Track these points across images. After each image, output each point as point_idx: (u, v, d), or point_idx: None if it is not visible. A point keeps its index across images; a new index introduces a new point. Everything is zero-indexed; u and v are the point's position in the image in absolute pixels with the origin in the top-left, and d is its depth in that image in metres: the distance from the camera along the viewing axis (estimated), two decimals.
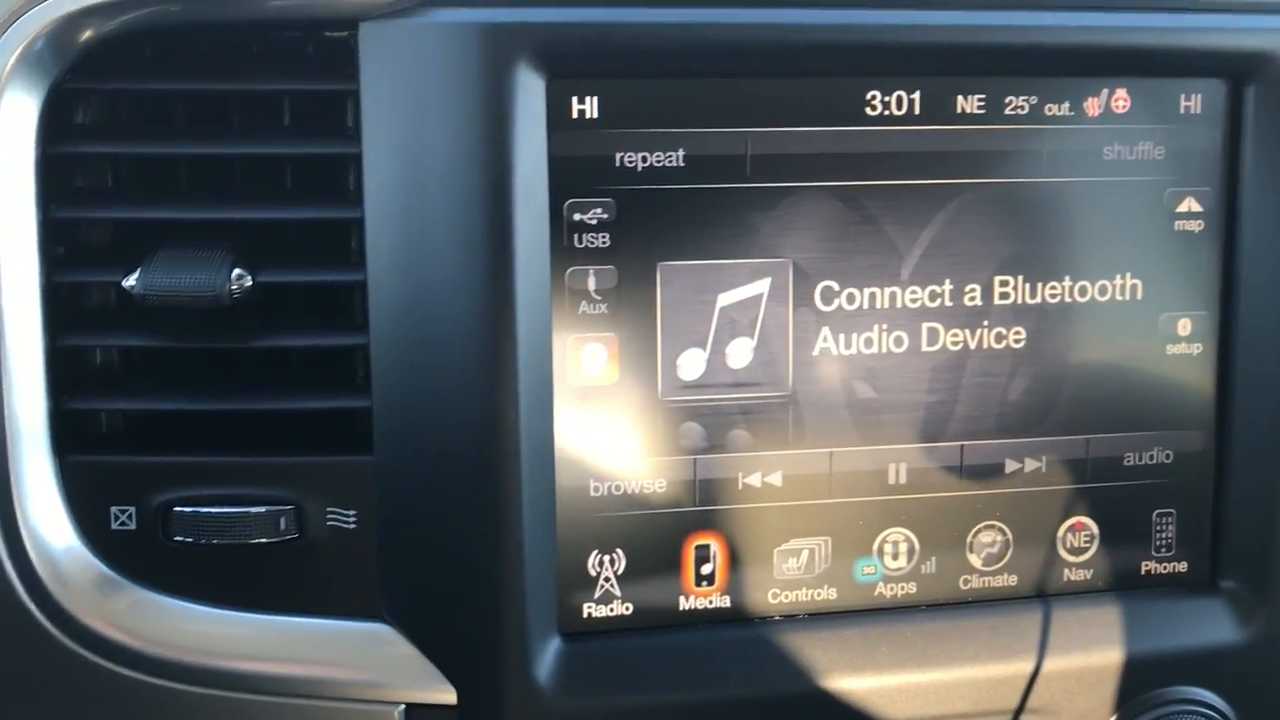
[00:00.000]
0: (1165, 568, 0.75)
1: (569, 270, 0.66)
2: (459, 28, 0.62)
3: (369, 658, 0.67)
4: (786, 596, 0.71)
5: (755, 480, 0.70)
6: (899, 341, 0.70)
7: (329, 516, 0.66)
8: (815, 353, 0.69)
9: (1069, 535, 0.74)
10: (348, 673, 0.67)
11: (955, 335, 0.71)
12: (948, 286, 0.70)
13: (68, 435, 0.66)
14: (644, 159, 0.66)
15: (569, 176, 0.65)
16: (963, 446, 0.72)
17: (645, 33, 0.64)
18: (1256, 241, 0.72)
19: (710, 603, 0.71)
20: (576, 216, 0.66)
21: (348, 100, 0.66)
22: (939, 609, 0.73)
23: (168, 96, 0.68)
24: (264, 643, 0.66)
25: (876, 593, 0.72)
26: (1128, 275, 0.72)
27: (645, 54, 0.64)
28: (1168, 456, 0.74)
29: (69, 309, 0.66)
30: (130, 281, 0.63)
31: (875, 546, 0.72)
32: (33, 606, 0.65)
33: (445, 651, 0.67)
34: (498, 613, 0.66)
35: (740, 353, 0.69)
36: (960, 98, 0.69)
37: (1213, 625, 0.74)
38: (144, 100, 0.68)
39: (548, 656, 0.67)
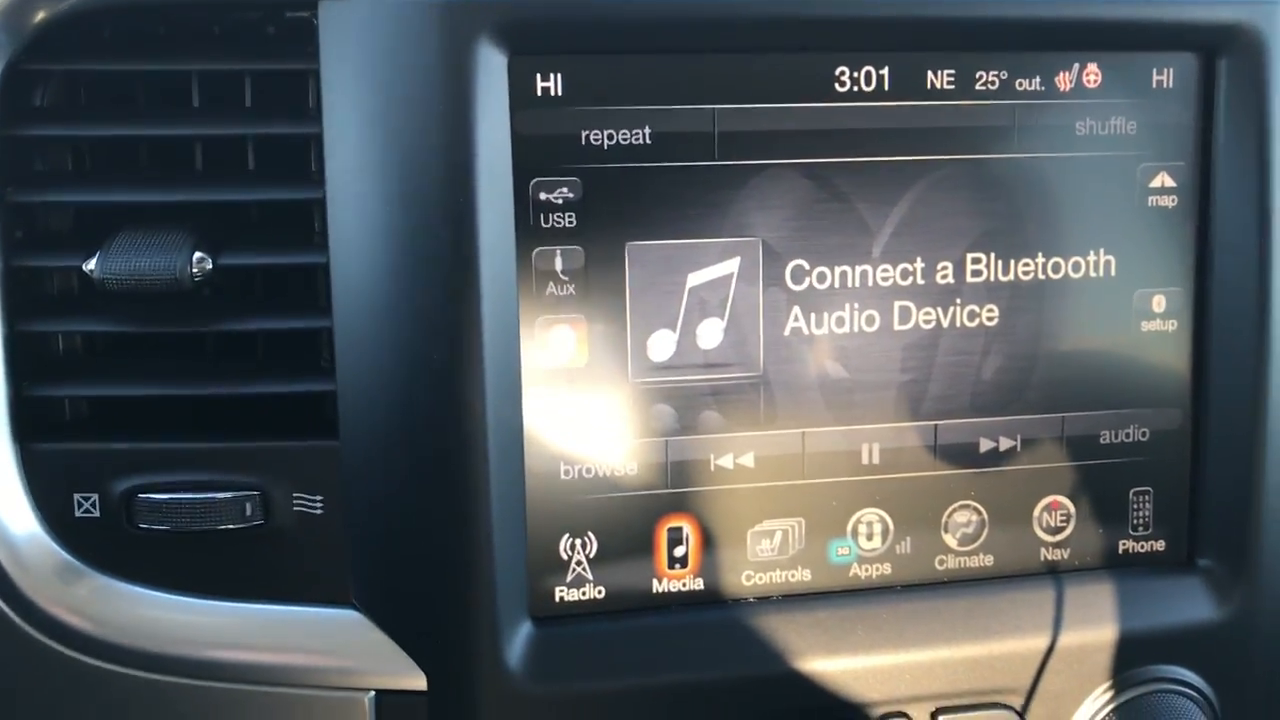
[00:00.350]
0: (1143, 546, 0.75)
1: (535, 251, 0.65)
2: (419, 6, 0.61)
3: (338, 644, 0.66)
4: (760, 578, 0.71)
5: (728, 462, 0.69)
6: (871, 320, 0.70)
7: (295, 502, 0.65)
8: (786, 332, 0.69)
9: (1045, 514, 0.73)
10: (316, 659, 0.66)
11: (928, 314, 0.70)
12: (919, 264, 0.70)
13: (29, 422, 0.65)
14: (610, 137, 0.66)
15: (534, 155, 0.65)
16: (936, 426, 0.71)
17: (608, 8, 0.63)
18: (1230, 216, 0.72)
19: (683, 585, 0.70)
20: (542, 196, 0.65)
21: (309, 80, 0.65)
22: (914, 590, 0.72)
23: (128, 77, 0.67)
24: (231, 630, 0.66)
25: (851, 574, 0.72)
26: (1101, 251, 0.72)
27: (609, 30, 0.64)
28: (1144, 434, 0.74)
29: (29, 294, 0.66)
30: (90, 266, 0.63)
31: (849, 527, 0.71)
32: None
33: (415, 637, 0.66)
34: (467, 598, 0.65)
35: (711, 333, 0.68)
36: (930, 73, 0.68)
37: (1190, 603, 0.74)
38: (104, 81, 0.67)
39: (519, 641, 0.66)
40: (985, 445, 0.72)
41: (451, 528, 0.64)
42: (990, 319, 0.71)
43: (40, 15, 0.62)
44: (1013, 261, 0.71)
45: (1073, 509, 0.74)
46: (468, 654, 0.66)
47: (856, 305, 0.69)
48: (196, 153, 0.67)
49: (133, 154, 0.67)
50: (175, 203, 0.65)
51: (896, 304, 0.70)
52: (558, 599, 0.68)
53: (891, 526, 0.72)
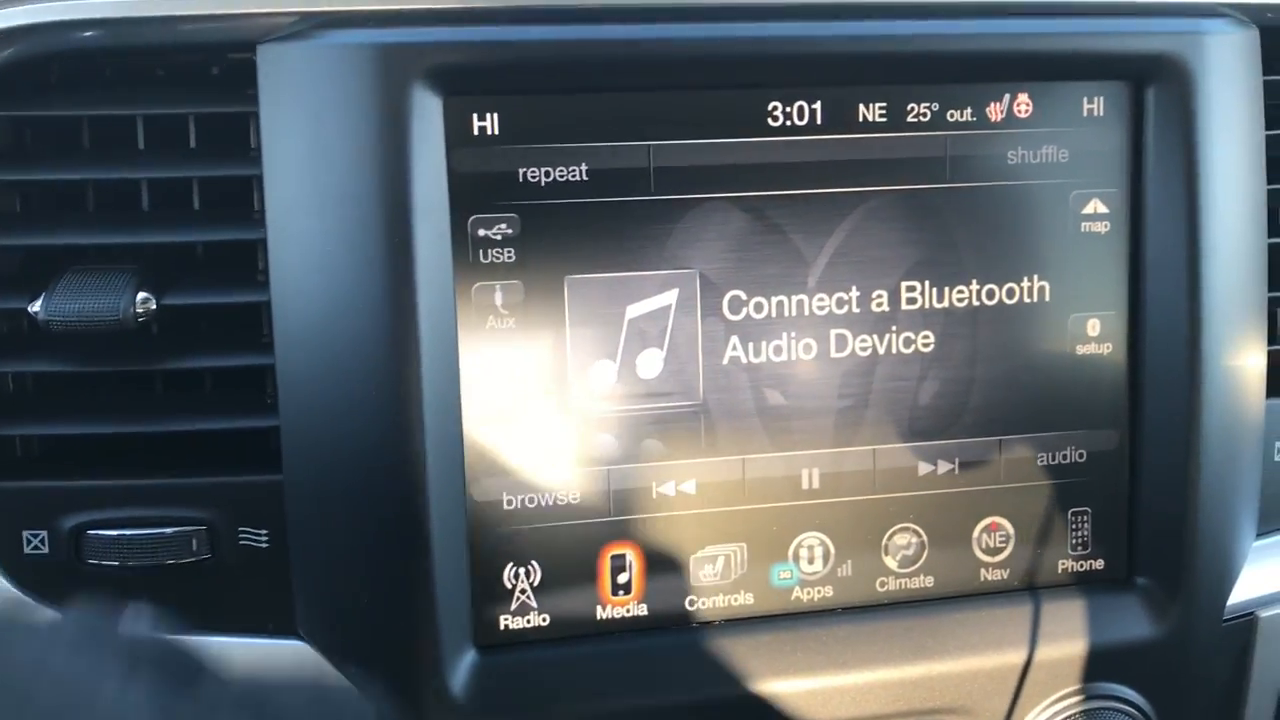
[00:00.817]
0: (1082, 565, 0.76)
1: (475, 286, 0.67)
2: (353, 49, 0.63)
3: (285, 675, 0.67)
4: (704, 603, 0.72)
5: (669, 489, 0.71)
6: (808, 348, 0.71)
7: (241, 536, 0.67)
8: (725, 362, 0.70)
9: (984, 536, 0.75)
10: (263, 691, 0.67)
11: (864, 341, 0.71)
12: (855, 293, 0.71)
13: None
14: (547, 174, 0.67)
15: (472, 193, 0.66)
16: (875, 451, 0.72)
17: (541, 50, 0.64)
18: (1162, 240, 0.73)
19: (627, 611, 0.71)
20: (481, 232, 0.66)
21: (250, 122, 0.66)
22: (856, 612, 0.73)
23: (74, 120, 0.68)
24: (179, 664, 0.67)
25: (793, 597, 0.73)
26: (1035, 277, 0.73)
27: (542, 70, 0.65)
28: (1081, 456, 0.75)
29: None
30: (35, 307, 0.64)
31: (791, 551, 0.73)
32: None
33: (361, 667, 0.67)
34: (410, 627, 0.66)
35: (650, 363, 0.70)
36: (862, 106, 0.70)
37: (1129, 621, 0.75)
38: (50, 124, 0.68)
39: (463, 669, 0.67)
40: (924, 469, 0.73)
41: (395, 558, 0.66)
42: (926, 345, 0.72)
43: None
44: (947, 289, 0.72)
45: (1012, 530, 0.75)
46: (413, 683, 0.67)
47: (793, 334, 0.71)
48: (142, 194, 0.68)
49: (79, 196, 0.68)
50: (119, 244, 0.66)
51: (833, 332, 0.71)
52: (502, 627, 0.69)
53: (832, 550, 0.73)
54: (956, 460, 0.73)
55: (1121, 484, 0.76)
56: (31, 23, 0.64)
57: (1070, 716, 0.74)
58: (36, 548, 0.66)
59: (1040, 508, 0.75)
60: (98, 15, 0.65)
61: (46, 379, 0.69)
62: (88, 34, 0.66)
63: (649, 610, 0.71)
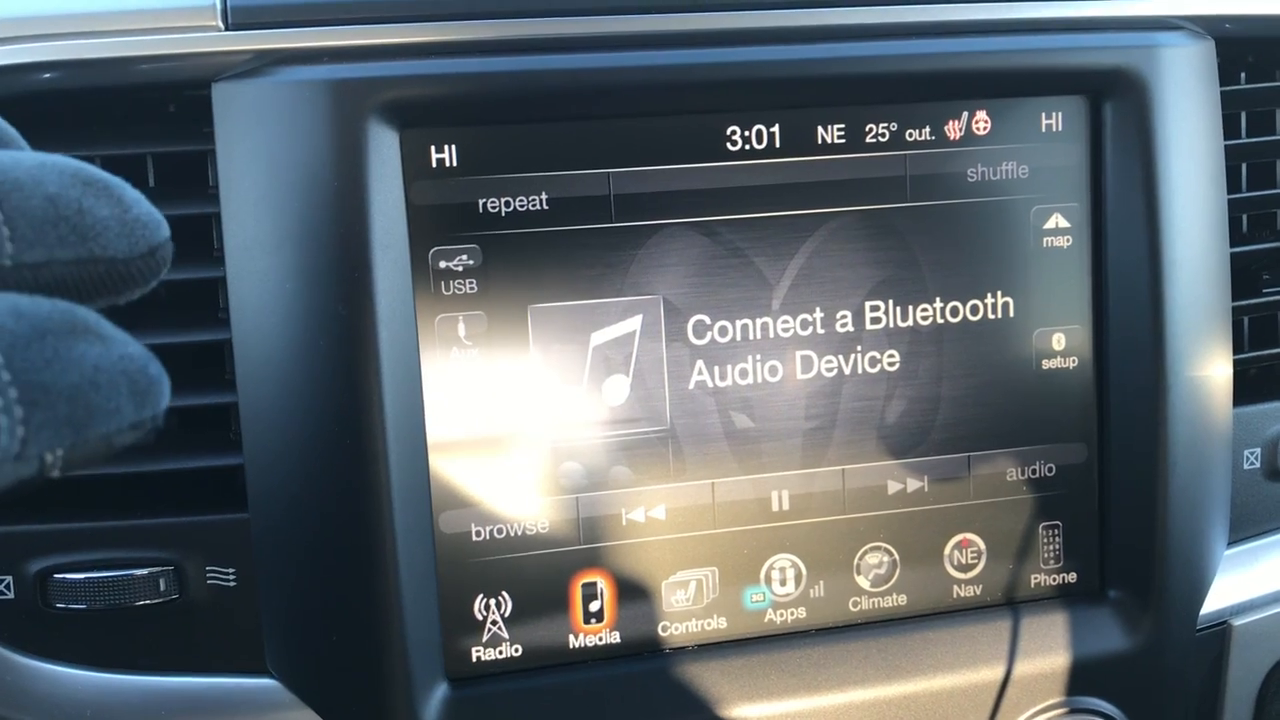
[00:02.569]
0: (1054, 580, 0.76)
1: (438, 318, 0.67)
2: (308, 85, 0.63)
3: (256, 713, 0.67)
4: (677, 628, 0.72)
5: (639, 515, 0.71)
6: (774, 371, 0.71)
7: (209, 575, 0.66)
8: (691, 386, 0.70)
9: (956, 552, 0.75)
10: None
11: (829, 362, 0.71)
12: (819, 314, 0.71)
13: None
14: (507, 204, 0.67)
15: (432, 225, 0.66)
16: (844, 471, 0.72)
17: (496, 81, 0.65)
18: (1124, 253, 0.73)
19: (600, 639, 0.71)
20: (442, 264, 0.66)
21: (208, 160, 0.66)
22: (829, 633, 0.73)
23: None
24: (150, 704, 0.66)
25: (766, 620, 0.73)
26: (999, 293, 0.73)
27: (499, 102, 0.65)
28: (1050, 470, 0.75)
29: None
30: None
31: (763, 574, 0.73)
32: None
33: (332, 703, 0.67)
34: (381, 662, 0.66)
35: (616, 390, 0.70)
36: (820, 128, 0.70)
37: (1103, 634, 0.75)
38: None
39: (434, 703, 0.67)
40: (893, 487, 0.73)
41: (363, 593, 0.65)
42: (891, 364, 0.72)
43: None
44: (911, 307, 0.72)
45: (983, 546, 0.75)
46: (386, 718, 0.66)
47: (759, 357, 0.71)
48: None
49: None
50: None
51: (798, 353, 0.71)
52: (474, 659, 0.69)
53: (804, 571, 0.73)
54: (926, 478, 0.74)
55: (1092, 497, 0.76)
56: None
57: None
58: (1, 592, 0.65)
59: (1011, 523, 0.75)
60: (54, 58, 0.65)
61: None
62: (45, 76, 0.66)
63: (622, 638, 0.71)
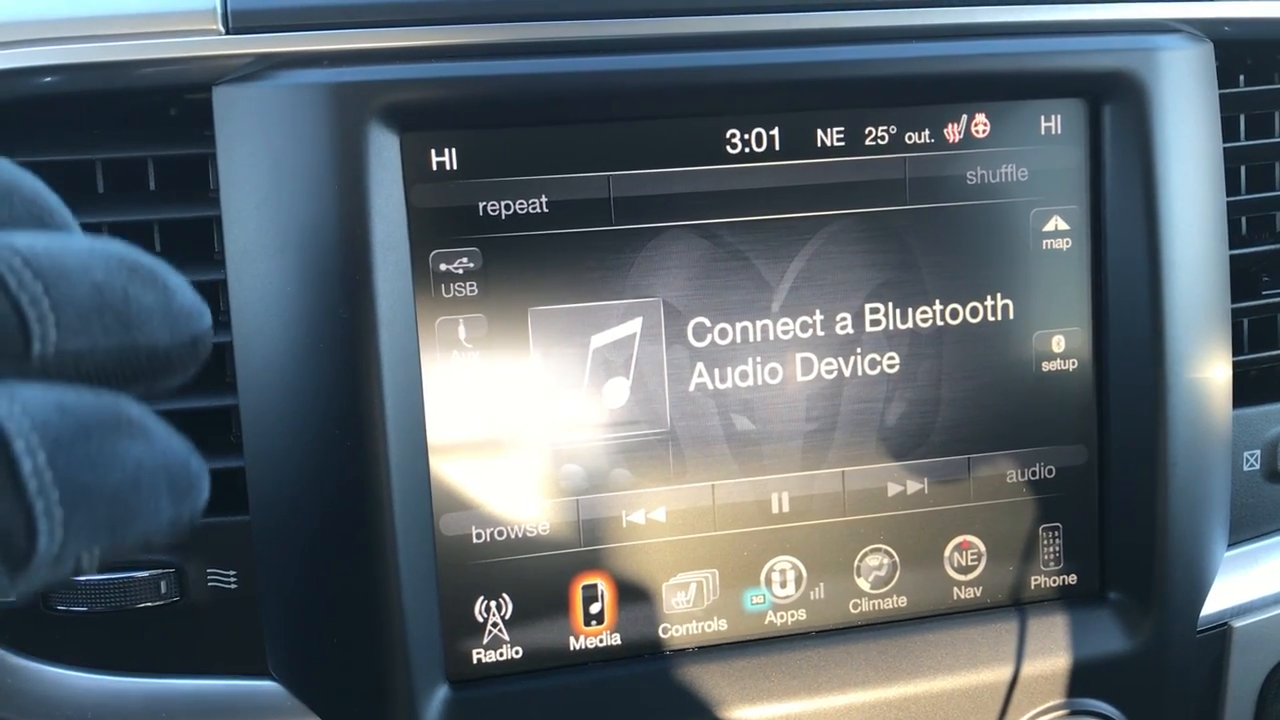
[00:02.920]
0: (1054, 581, 0.76)
1: (438, 320, 0.67)
2: (308, 89, 0.63)
3: (257, 715, 0.67)
4: (677, 630, 0.72)
5: (639, 517, 0.71)
6: (774, 373, 0.71)
7: (210, 577, 0.66)
8: (691, 389, 0.70)
9: (956, 554, 0.75)
10: None
11: (829, 364, 0.72)
12: (818, 317, 0.71)
13: None
14: (507, 207, 0.67)
15: (432, 228, 0.66)
16: (844, 473, 0.73)
17: (496, 85, 0.65)
18: (1123, 255, 0.74)
19: (601, 641, 0.71)
20: (443, 267, 0.67)
21: (208, 163, 0.66)
22: (829, 635, 0.73)
23: (34, 167, 0.68)
24: (151, 706, 0.67)
25: (766, 621, 0.73)
26: (998, 296, 0.73)
27: (498, 105, 0.65)
28: (1050, 472, 0.75)
29: None
30: None
31: (763, 576, 0.73)
32: None
33: (333, 705, 0.67)
34: (382, 664, 0.66)
35: (617, 392, 0.70)
36: (820, 131, 0.70)
37: (1103, 636, 0.75)
38: None
39: (435, 705, 0.67)
40: (893, 489, 0.73)
41: (363, 595, 0.66)
42: (891, 366, 0.72)
43: None
44: (910, 310, 0.72)
45: (983, 548, 0.75)
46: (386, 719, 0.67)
47: (759, 359, 0.71)
48: (104, 234, 0.68)
49: None
50: None
51: (798, 356, 0.71)
52: (475, 661, 0.69)
53: (804, 573, 0.73)
54: (926, 480, 0.74)
55: (1091, 499, 0.76)
56: None
57: None
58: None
59: (1011, 525, 0.75)
60: (56, 62, 0.65)
61: None
62: (46, 80, 0.66)
63: (622, 640, 0.71)
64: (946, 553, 0.75)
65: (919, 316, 0.72)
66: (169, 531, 0.30)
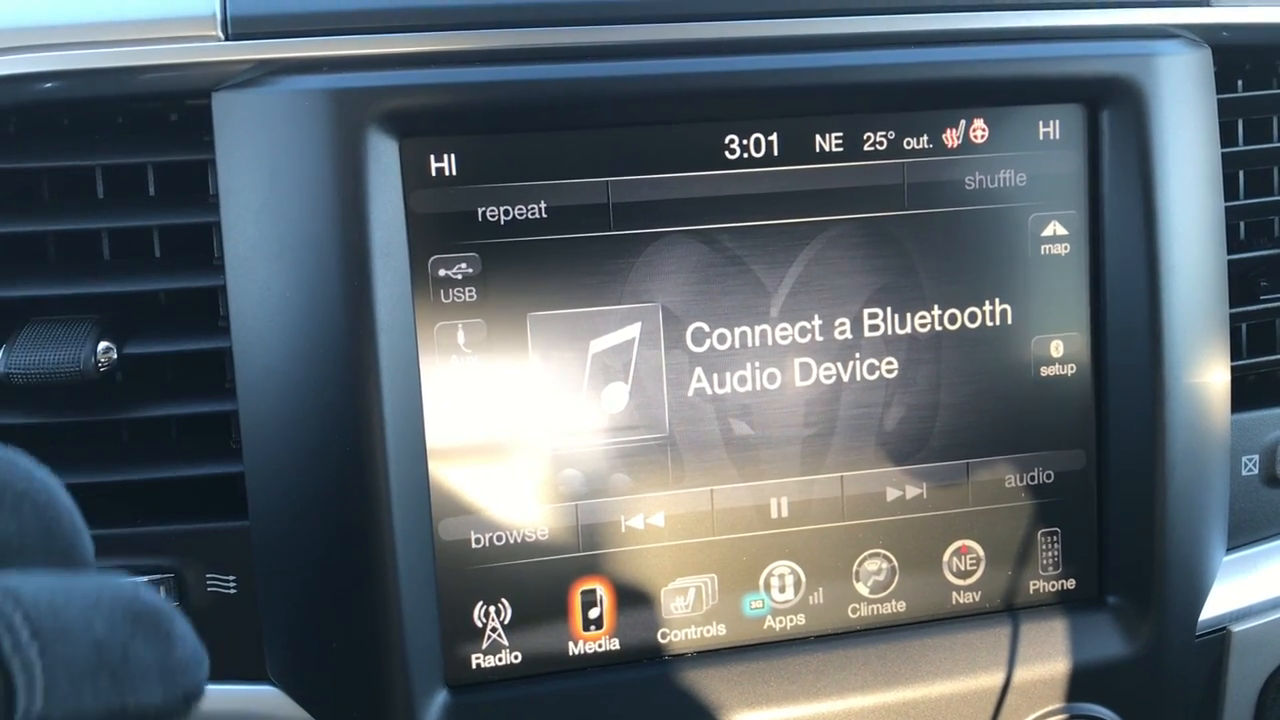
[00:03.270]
0: (1053, 586, 0.76)
1: (437, 326, 0.67)
2: (308, 95, 0.63)
3: None
4: (676, 635, 0.72)
5: (638, 522, 0.71)
6: (772, 378, 0.71)
7: (209, 583, 0.67)
8: (690, 394, 0.70)
9: (955, 559, 0.75)
10: None
11: (828, 369, 0.72)
12: (817, 322, 0.71)
13: None
14: (506, 212, 0.67)
15: (431, 233, 0.66)
16: (842, 478, 0.73)
17: (495, 91, 0.65)
18: (1121, 260, 0.74)
19: (600, 646, 0.71)
20: (442, 272, 0.67)
21: (208, 169, 0.66)
22: (828, 639, 0.73)
23: (34, 172, 0.68)
24: None
25: (765, 626, 0.73)
26: (997, 301, 0.73)
27: (498, 111, 0.65)
28: (1049, 477, 0.75)
29: None
30: None
31: (762, 581, 0.73)
32: None
33: (333, 710, 0.67)
34: (381, 669, 0.66)
35: (615, 397, 0.70)
36: (818, 136, 0.70)
37: (1102, 640, 0.75)
38: (9, 176, 0.68)
39: (434, 710, 0.67)
40: (892, 494, 0.73)
41: (363, 600, 0.66)
42: (890, 371, 0.72)
43: None
44: (909, 315, 0.72)
45: (982, 552, 0.75)
46: None
47: (757, 364, 0.71)
48: (103, 243, 0.68)
49: (40, 247, 0.68)
50: (80, 295, 0.66)
51: (797, 361, 0.71)
52: (474, 666, 0.69)
53: (803, 578, 0.73)
54: (924, 484, 0.74)
55: (1090, 503, 0.76)
56: None
57: None
58: None
59: (1010, 529, 0.75)
60: (56, 68, 0.65)
61: (9, 431, 0.69)
62: (46, 86, 0.66)
63: (621, 645, 0.71)
64: (945, 557, 0.75)
65: (917, 321, 0.72)
66: None
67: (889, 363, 0.72)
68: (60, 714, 0.28)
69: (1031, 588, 0.76)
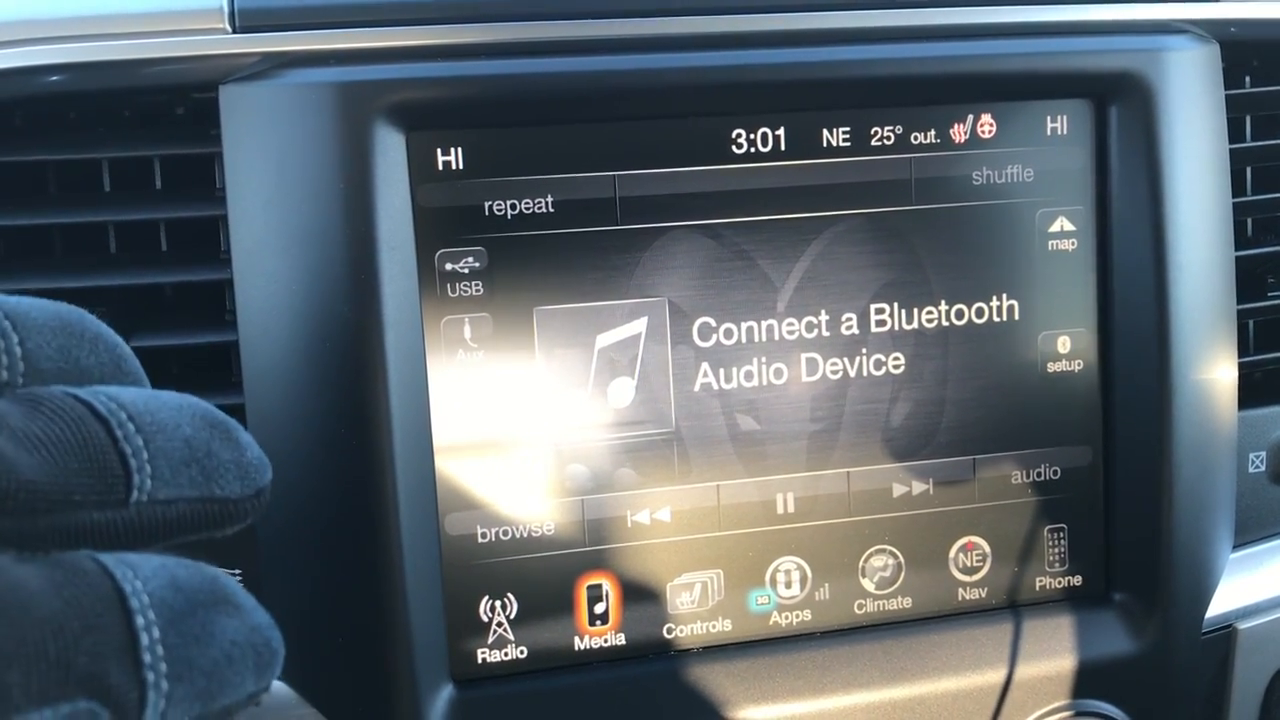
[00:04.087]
0: (1060, 582, 0.76)
1: (443, 320, 0.67)
2: (315, 88, 0.63)
3: (261, 714, 0.67)
4: (682, 631, 0.72)
5: (644, 517, 0.71)
6: (779, 373, 0.71)
7: None
8: (696, 388, 0.70)
9: (961, 555, 0.75)
10: None
11: (834, 364, 0.72)
12: (824, 317, 0.71)
13: None
14: (513, 207, 0.67)
15: (438, 227, 0.66)
16: (849, 473, 0.73)
17: (503, 84, 0.65)
18: (1129, 256, 0.73)
19: (605, 641, 0.71)
20: (448, 266, 0.67)
21: (215, 162, 0.66)
22: (834, 635, 0.73)
23: (40, 165, 0.68)
24: None
25: (771, 622, 0.73)
26: (1004, 296, 0.73)
27: (505, 104, 0.65)
28: (1055, 473, 0.75)
29: None
30: None
31: (768, 576, 0.73)
32: None
33: (338, 705, 0.67)
34: (387, 663, 0.66)
35: (622, 392, 0.70)
36: (825, 131, 0.70)
37: (1108, 637, 0.75)
38: (16, 169, 0.68)
39: (440, 704, 0.67)
40: (898, 490, 0.73)
41: (368, 595, 0.66)
42: (897, 367, 0.72)
43: None
44: (916, 310, 0.72)
45: (988, 549, 0.75)
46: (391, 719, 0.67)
47: (764, 359, 0.71)
48: (109, 236, 0.68)
49: (46, 240, 0.68)
50: (87, 288, 0.66)
51: (803, 356, 0.71)
52: (479, 660, 0.69)
53: (809, 574, 0.73)
54: (931, 481, 0.74)
55: (1097, 500, 0.76)
56: None
57: None
58: None
59: (1016, 526, 0.75)
60: (62, 60, 0.65)
61: None
62: (53, 79, 0.66)
63: (627, 640, 0.71)
64: (951, 553, 0.75)
65: (924, 317, 0.72)
66: (246, 705, 0.32)
67: (896, 358, 0.72)
68: (164, 495, 0.32)
69: (1038, 584, 0.76)
